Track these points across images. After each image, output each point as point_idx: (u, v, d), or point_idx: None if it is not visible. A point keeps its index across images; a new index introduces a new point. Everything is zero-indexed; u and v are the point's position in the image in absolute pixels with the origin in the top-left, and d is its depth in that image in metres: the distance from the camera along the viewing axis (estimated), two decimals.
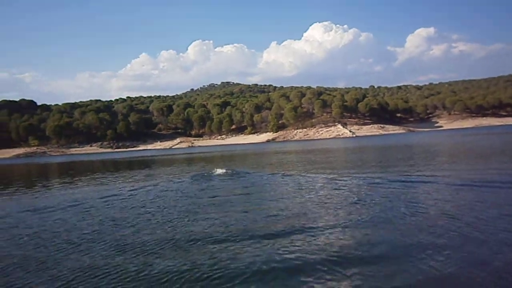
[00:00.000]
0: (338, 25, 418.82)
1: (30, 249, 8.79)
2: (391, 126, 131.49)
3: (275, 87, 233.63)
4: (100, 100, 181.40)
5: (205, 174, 23.50)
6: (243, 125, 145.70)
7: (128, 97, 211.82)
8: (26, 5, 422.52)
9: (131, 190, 18.41)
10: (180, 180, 21.92)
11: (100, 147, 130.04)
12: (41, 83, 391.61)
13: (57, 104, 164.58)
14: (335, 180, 17.68)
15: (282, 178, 20.07)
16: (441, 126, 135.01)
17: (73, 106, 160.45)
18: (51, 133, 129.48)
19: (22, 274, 7.09)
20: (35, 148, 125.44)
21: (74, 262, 7.58)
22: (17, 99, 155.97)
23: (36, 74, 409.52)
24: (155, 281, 6.44)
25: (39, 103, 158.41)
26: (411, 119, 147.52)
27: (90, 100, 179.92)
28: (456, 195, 12.70)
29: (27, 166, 56.58)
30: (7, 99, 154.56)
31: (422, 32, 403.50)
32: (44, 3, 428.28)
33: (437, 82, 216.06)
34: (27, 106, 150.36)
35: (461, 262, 6.71)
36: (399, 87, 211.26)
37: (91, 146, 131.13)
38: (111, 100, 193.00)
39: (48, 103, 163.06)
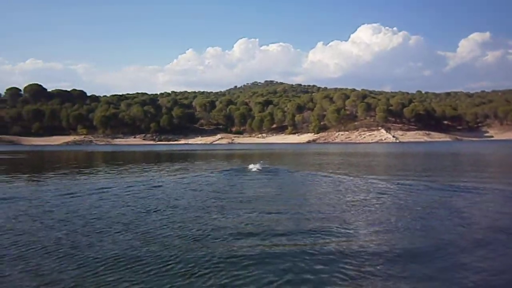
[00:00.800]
0: (387, 28, 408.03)
1: (62, 233, 8.91)
2: (437, 133, 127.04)
3: (319, 88, 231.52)
4: (146, 93, 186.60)
5: (242, 169, 23.63)
6: (284, 124, 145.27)
7: (173, 91, 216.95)
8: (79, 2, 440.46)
9: (166, 182, 18.58)
10: (217, 173, 22.00)
11: (143, 139, 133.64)
12: (92, 75, 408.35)
13: (105, 96, 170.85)
14: (375, 183, 17.04)
15: (320, 178, 19.60)
16: (491, 136, 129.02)
17: (120, 98, 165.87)
18: (98, 123, 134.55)
19: (47, 260, 7.14)
20: (83, 136, 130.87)
21: (100, 249, 7.58)
22: (69, 89, 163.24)
23: (88, 66, 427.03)
24: (170, 275, 6.28)
25: (89, 94, 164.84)
26: (459, 127, 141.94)
27: (137, 93, 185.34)
28: (505, 206, 11.84)
29: (75, 153, 58.82)
30: (60, 88, 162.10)
31: (476, 36, 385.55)
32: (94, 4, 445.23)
33: (490, 90, 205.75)
34: (77, 96, 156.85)
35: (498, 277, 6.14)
36: (448, 94, 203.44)
37: (134, 137, 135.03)
38: (156, 94, 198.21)
39: (97, 94, 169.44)
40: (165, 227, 9.31)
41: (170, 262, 6.77)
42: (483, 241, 8.11)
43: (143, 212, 11.09)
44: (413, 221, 9.83)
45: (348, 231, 8.93)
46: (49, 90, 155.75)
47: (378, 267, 6.55)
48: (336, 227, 9.26)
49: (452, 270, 6.47)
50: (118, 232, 8.78)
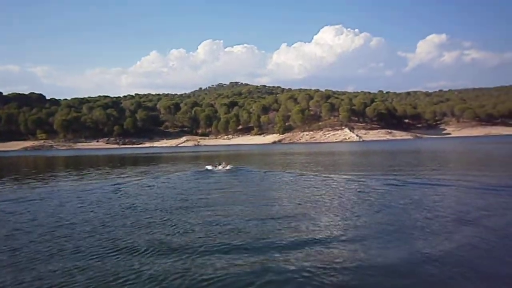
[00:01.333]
0: (349, 29, 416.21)
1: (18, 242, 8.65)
2: (398, 131, 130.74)
3: (283, 89, 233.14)
4: (108, 96, 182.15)
5: (207, 171, 23.66)
6: (249, 125, 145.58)
7: (136, 94, 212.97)
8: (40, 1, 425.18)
9: (130, 185, 18.34)
10: (182, 175, 21.89)
11: (107, 143, 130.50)
12: (53, 78, 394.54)
13: (66, 99, 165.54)
14: (339, 181, 17.42)
15: (285, 177, 19.85)
16: (449, 133, 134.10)
17: (82, 101, 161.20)
18: (58, 127, 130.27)
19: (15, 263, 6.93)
20: (42, 141, 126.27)
21: (61, 258, 7.42)
22: (27, 93, 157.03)
23: (48, 68, 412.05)
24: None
25: (49, 98, 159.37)
26: (419, 125, 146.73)
27: (99, 96, 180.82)
28: (471, 199, 12.40)
29: (34, 159, 56.76)
30: (17, 92, 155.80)
31: (434, 38, 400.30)
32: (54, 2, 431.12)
33: (447, 89, 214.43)
34: (36, 100, 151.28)
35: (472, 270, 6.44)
36: (408, 93, 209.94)
37: (97, 141, 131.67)
38: (119, 97, 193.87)
39: (58, 98, 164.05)
40: (129, 232, 9.18)
41: (133, 269, 6.72)
42: (444, 229, 8.48)
43: (107, 217, 10.87)
44: (376, 217, 10.14)
45: (315, 233, 9.07)
46: (5, 93, 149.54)
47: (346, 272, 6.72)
48: (301, 224, 9.42)
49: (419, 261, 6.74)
50: (81, 239, 8.61)
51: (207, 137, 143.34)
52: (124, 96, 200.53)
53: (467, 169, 22.97)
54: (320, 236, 8.29)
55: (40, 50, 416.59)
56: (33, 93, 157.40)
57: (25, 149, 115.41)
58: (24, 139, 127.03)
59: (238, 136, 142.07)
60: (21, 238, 8.67)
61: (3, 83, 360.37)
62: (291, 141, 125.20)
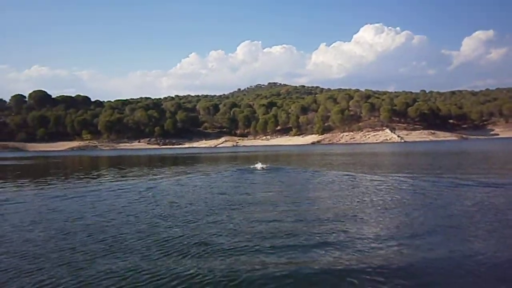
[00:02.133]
0: (390, 27, 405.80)
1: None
2: (442, 132, 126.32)
3: (322, 89, 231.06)
4: (149, 98, 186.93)
5: (247, 169, 23.79)
6: (288, 126, 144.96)
7: (176, 95, 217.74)
8: (83, 5, 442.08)
9: (170, 183, 18.49)
10: (223, 174, 21.95)
11: (148, 143, 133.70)
12: (97, 81, 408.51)
13: (109, 101, 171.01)
14: (381, 181, 16.77)
15: (329, 176, 19.38)
16: (497, 134, 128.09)
17: (124, 103, 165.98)
18: (102, 128, 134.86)
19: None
20: (87, 142, 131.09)
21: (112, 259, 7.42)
22: (73, 95, 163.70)
23: (93, 72, 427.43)
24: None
25: (93, 100, 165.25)
26: (465, 125, 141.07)
27: (140, 98, 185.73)
28: None
29: (82, 158, 58.82)
30: (65, 94, 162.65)
31: (480, 35, 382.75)
32: (100, 3, 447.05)
33: (495, 88, 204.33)
34: (82, 102, 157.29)
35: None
36: (453, 92, 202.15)
37: (139, 141, 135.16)
38: (160, 98, 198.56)
39: (102, 100, 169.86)
40: (174, 231, 9.11)
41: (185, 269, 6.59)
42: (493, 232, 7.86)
43: (154, 216, 10.91)
44: (418, 220, 9.58)
45: (358, 236, 8.66)
46: (54, 96, 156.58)
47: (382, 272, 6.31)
48: (344, 226, 9.02)
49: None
50: (133, 238, 8.61)
51: (246, 138, 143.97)
52: (165, 98, 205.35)
53: None
54: (370, 236, 7.87)
55: (86, 55, 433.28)
56: (79, 95, 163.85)
57: (72, 149, 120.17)
58: (71, 140, 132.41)
59: (277, 137, 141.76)
60: (70, 237, 8.76)
61: (53, 87, 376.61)
62: (331, 142, 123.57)
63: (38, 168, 37.65)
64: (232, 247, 7.33)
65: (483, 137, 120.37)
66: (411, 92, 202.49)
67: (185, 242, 7.71)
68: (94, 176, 24.30)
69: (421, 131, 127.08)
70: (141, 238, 8.16)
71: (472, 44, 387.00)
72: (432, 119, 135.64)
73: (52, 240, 8.21)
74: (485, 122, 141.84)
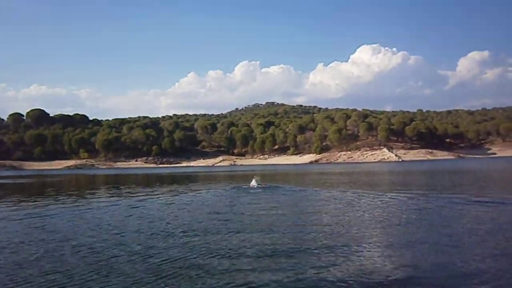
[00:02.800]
0: (387, 48, 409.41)
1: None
2: (440, 151, 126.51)
3: (320, 108, 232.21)
4: (147, 117, 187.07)
5: (243, 187, 23.65)
6: (286, 145, 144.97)
7: (174, 114, 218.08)
8: (82, 24, 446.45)
9: (164, 202, 18.35)
10: (218, 192, 21.84)
11: (145, 162, 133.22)
12: (96, 100, 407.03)
13: (107, 120, 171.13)
14: (381, 200, 16.59)
15: (324, 194, 19.21)
16: (494, 153, 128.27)
17: (122, 121, 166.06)
18: (100, 147, 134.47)
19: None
20: (84, 160, 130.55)
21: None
22: (71, 114, 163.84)
23: (91, 90, 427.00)
24: None
25: (91, 118, 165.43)
26: (462, 145, 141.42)
27: (138, 117, 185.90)
28: None
29: (80, 177, 58.42)
30: (63, 113, 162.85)
31: (475, 55, 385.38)
32: (95, 22, 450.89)
33: (491, 108, 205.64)
34: (80, 121, 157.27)
35: None
36: (449, 112, 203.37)
37: (136, 160, 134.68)
38: (158, 117, 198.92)
39: (100, 119, 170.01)
40: (171, 252, 8.92)
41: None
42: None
43: (148, 238, 10.72)
44: (417, 237, 9.39)
45: (348, 247, 8.48)
46: (51, 115, 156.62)
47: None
48: (336, 242, 8.83)
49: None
50: (131, 257, 8.40)
51: (243, 157, 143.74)
52: (163, 117, 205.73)
53: None
54: (370, 256, 7.68)
55: (84, 74, 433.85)
56: (77, 114, 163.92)
57: (69, 167, 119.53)
58: (68, 158, 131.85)
59: (275, 156, 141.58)
60: (59, 259, 8.56)
61: (52, 105, 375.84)
62: (328, 161, 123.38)
63: (34, 187, 37.31)
64: (225, 268, 7.12)
65: (480, 156, 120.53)
66: (408, 111, 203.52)
67: (177, 264, 7.52)
68: (91, 195, 24.05)
69: (419, 150, 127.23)
70: (133, 260, 7.93)
71: (467, 64, 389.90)
72: (429, 138, 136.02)
73: (41, 261, 7.99)
74: (482, 141, 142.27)
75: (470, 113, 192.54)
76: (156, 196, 21.36)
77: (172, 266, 7.34)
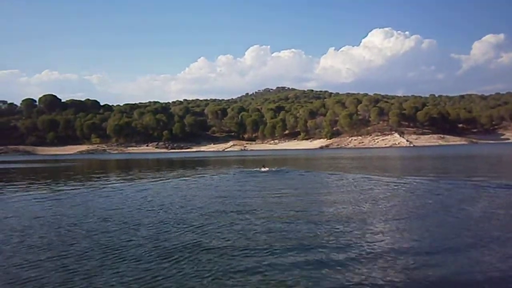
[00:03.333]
0: (399, 31, 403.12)
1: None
2: (452, 136, 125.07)
3: (331, 93, 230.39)
4: (158, 102, 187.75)
5: (254, 171, 23.87)
6: (296, 130, 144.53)
7: (184, 99, 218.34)
8: (93, 10, 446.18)
9: (177, 185, 18.50)
10: (228, 175, 22.00)
11: (156, 147, 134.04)
12: (107, 85, 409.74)
13: (118, 105, 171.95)
14: (395, 183, 16.56)
15: (331, 178, 19.24)
16: (508, 139, 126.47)
17: (133, 107, 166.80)
18: (111, 132, 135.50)
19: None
20: (96, 145, 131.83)
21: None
22: (83, 99, 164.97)
23: (102, 76, 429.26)
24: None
25: (103, 104, 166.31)
26: (474, 130, 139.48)
27: (149, 102, 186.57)
28: None
29: (90, 161, 59.11)
30: (74, 99, 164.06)
31: (490, 38, 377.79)
32: (110, 8, 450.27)
33: (505, 92, 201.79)
34: (91, 106, 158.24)
35: None
36: (462, 96, 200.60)
37: (147, 145, 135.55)
38: (168, 102, 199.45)
39: (111, 104, 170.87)
40: (182, 232, 9.06)
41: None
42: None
43: (160, 222, 10.90)
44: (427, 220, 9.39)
45: (370, 236, 8.52)
46: (63, 100, 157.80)
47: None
48: (353, 226, 8.88)
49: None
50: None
51: (254, 142, 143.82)
52: (173, 102, 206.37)
53: None
54: (388, 246, 7.72)
55: (95, 59, 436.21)
56: (88, 99, 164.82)
57: (81, 152, 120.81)
58: (80, 143, 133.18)
59: (285, 141, 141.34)
60: (72, 242, 8.74)
61: (63, 90, 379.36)
62: (339, 146, 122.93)
63: (48, 172, 37.89)
64: (225, 250, 7.22)
65: (493, 141, 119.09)
66: (420, 96, 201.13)
67: (186, 245, 7.65)
68: (105, 179, 24.36)
69: (430, 135, 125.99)
70: (144, 244, 8.07)
71: (482, 48, 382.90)
72: (441, 123, 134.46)
73: (52, 244, 8.17)
74: (495, 127, 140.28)
75: (483, 97, 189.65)
76: (167, 180, 21.57)
77: (182, 249, 7.47)
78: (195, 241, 7.80)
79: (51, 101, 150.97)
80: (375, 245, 7.29)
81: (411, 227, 8.73)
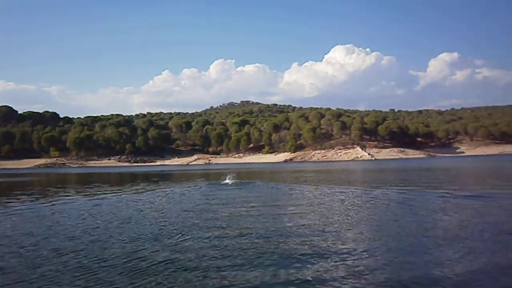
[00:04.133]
0: (360, 48, 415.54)
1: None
2: (411, 150, 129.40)
3: (294, 107, 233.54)
4: (121, 115, 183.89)
5: (218, 184, 23.82)
6: (261, 144, 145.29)
7: (148, 112, 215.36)
8: (53, 19, 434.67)
9: (138, 199, 18.16)
10: (192, 188, 21.81)
11: (118, 161, 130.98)
12: (67, 97, 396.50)
13: (79, 117, 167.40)
14: (354, 194, 16.90)
15: (297, 190, 19.43)
16: (462, 152, 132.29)
17: (94, 119, 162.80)
18: (71, 145, 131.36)
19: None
20: (55, 159, 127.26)
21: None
22: (41, 111, 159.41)
23: (62, 87, 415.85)
24: None
25: (62, 116, 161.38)
26: (432, 143, 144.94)
27: (111, 114, 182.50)
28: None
29: (47, 176, 56.94)
30: (32, 110, 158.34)
31: (445, 56, 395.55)
32: (67, 17, 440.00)
33: (460, 108, 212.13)
34: (50, 118, 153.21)
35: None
36: (420, 111, 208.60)
37: (109, 159, 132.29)
38: (131, 115, 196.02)
39: (71, 116, 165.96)
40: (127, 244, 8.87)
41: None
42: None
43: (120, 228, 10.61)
44: (388, 231, 9.64)
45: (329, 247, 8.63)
46: (20, 112, 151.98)
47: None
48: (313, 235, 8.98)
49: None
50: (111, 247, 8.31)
51: (218, 156, 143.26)
52: (137, 115, 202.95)
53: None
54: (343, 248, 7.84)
55: (55, 71, 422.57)
56: (47, 111, 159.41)
57: (38, 166, 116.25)
58: (38, 157, 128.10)
59: (250, 155, 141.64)
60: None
61: (20, 102, 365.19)
62: (303, 160, 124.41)
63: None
64: (199, 266, 7.08)
65: (449, 155, 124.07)
66: (380, 111, 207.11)
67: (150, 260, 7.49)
68: (65, 193, 23.52)
69: (391, 149, 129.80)
70: (116, 264, 7.84)
71: (437, 65, 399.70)
72: (401, 137, 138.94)
73: (15, 268, 7.81)
74: (451, 140, 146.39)
75: (440, 113, 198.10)
76: (128, 193, 21.10)
77: (157, 267, 7.30)
78: (169, 258, 7.54)
79: (6, 113, 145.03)
80: (344, 250, 7.40)
81: (379, 234, 8.92)
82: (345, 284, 5.83)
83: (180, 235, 9.43)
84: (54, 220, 12.39)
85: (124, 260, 7.31)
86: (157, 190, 22.69)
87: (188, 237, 9.22)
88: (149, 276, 6.43)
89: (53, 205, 16.63)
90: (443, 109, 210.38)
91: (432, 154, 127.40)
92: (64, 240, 9.30)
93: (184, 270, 6.69)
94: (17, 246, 8.84)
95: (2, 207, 16.11)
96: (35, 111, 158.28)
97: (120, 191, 23.20)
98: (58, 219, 12.56)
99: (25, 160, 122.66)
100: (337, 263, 6.81)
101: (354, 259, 7.04)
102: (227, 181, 24.35)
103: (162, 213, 13.28)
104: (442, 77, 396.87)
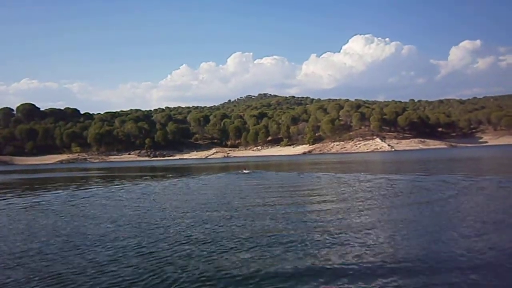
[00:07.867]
0: (379, 38, 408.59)
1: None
2: (432, 140, 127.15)
3: (313, 99, 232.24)
4: (139, 110, 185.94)
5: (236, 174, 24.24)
6: (279, 136, 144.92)
7: (166, 107, 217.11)
8: (73, 17, 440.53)
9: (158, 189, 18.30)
10: (214, 177, 21.94)
11: (138, 155, 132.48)
12: (88, 93, 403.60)
13: (99, 113, 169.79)
14: (376, 181, 16.67)
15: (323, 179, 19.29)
16: (485, 142, 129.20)
17: (114, 115, 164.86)
18: (92, 141, 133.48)
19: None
20: (77, 154, 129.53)
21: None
22: (63, 108, 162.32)
23: (83, 84, 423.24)
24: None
25: (83, 112, 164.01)
26: (453, 134, 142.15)
27: (130, 110, 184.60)
28: None
29: (70, 170, 58.04)
30: (54, 107, 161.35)
31: (467, 44, 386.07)
32: (89, 18, 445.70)
33: (482, 96, 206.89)
34: (71, 114, 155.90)
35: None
36: (441, 101, 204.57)
37: (129, 154, 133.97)
38: (150, 110, 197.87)
39: (92, 112, 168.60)
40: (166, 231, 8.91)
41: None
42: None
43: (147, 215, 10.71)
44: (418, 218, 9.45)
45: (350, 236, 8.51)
46: (42, 109, 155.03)
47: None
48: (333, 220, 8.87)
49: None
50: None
51: (237, 149, 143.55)
52: (155, 110, 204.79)
53: None
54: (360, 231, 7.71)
55: (76, 68, 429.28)
56: (68, 108, 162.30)
57: (61, 162, 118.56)
58: (60, 153, 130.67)
59: (268, 148, 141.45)
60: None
61: (43, 99, 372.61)
62: (321, 152, 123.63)
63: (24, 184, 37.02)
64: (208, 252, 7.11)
65: (471, 145, 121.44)
66: (400, 101, 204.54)
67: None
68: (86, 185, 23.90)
69: (411, 139, 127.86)
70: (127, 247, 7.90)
71: (459, 53, 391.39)
72: (422, 127, 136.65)
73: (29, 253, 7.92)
74: (473, 130, 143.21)
75: (462, 102, 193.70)
76: (153, 183, 21.29)
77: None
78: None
79: (29, 110, 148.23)
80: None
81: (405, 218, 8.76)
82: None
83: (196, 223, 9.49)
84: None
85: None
86: (184, 178, 22.91)
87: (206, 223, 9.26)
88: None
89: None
90: (464, 98, 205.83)
91: (454, 144, 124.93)
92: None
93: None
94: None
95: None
96: (56, 107, 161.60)
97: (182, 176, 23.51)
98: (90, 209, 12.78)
99: (48, 156, 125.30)
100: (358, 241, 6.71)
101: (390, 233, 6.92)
102: (244, 170, 24.84)
103: (183, 203, 13.34)
104: (464, 65, 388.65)
